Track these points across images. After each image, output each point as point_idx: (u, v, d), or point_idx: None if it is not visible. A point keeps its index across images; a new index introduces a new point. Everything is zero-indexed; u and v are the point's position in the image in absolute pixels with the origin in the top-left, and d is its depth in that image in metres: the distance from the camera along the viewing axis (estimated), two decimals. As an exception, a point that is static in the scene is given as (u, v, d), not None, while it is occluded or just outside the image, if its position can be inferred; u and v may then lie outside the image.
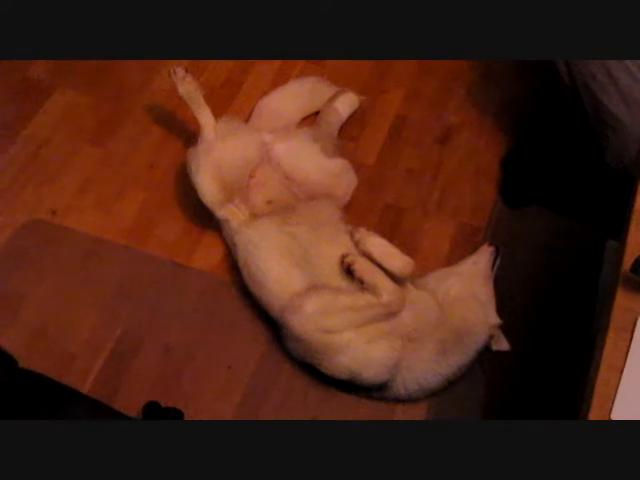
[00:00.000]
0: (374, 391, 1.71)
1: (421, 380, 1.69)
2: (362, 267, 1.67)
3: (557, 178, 2.03)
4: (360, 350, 1.64)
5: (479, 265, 1.81)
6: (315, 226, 1.79)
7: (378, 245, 1.71)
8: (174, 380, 1.80)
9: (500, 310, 1.74)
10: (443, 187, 2.11)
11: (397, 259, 1.70)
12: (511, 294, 1.85)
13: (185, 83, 1.93)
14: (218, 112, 1.96)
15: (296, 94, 2.24)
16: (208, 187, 1.86)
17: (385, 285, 1.65)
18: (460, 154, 2.17)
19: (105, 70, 2.36)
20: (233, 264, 1.90)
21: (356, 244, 1.72)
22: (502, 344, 1.73)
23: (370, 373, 1.66)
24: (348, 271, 1.67)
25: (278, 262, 1.76)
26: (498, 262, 1.83)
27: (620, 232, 1.25)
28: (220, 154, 1.87)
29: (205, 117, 1.92)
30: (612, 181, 1.68)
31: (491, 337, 1.72)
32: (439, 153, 2.17)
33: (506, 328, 1.74)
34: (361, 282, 1.66)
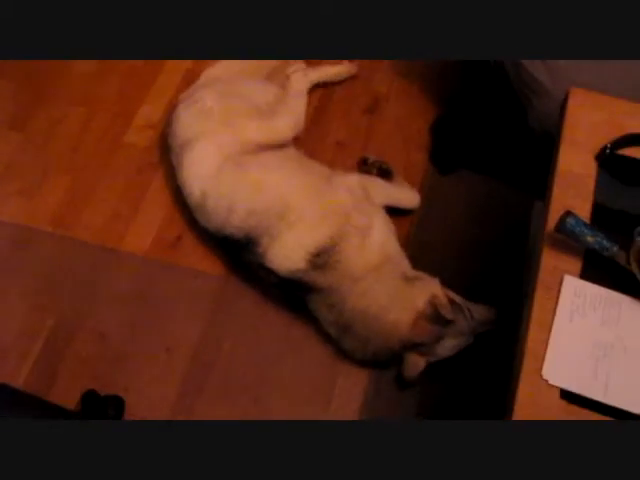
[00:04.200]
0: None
1: None
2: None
3: (485, 143, 2.06)
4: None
5: None
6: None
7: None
8: (112, 367, 1.77)
9: (434, 274, 1.75)
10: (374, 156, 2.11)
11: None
12: (445, 258, 1.88)
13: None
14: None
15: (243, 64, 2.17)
16: None
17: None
18: (389, 123, 2.17)
19: (21, 52, 2.27)
20: (166, 244, 1.87)
21: None
22: None
23: None
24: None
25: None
26: None
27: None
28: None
29: None
30: (537, 144, 1.71)
31: None
32: (368, 123, 2.17)
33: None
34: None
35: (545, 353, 1.09)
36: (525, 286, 1.27)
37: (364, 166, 2.03)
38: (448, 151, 2.11)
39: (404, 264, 1.77)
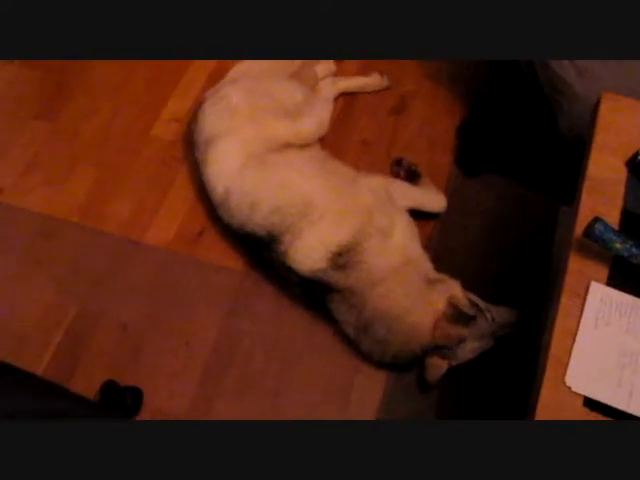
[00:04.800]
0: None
1: None
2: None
3: (512, 146, 2.05)
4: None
5: None
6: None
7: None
8: (132, 358, 1.78)
9: (457, 277, 1.74)
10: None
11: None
12: (468, 261, 1.87)
13: None
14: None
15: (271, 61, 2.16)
16: None
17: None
18: (415, 124, 2.16)
19: (50, 42, 2.29)
20: (188, 238, 1.87)
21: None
22: None
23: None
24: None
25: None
26: None
27: (573, 199, 1.27)
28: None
29: None
30: (566, 149, 1.69)
31: None
32: (394, 124, 2.16)
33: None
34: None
35: (569, 360, 1.07)
36: (549, 291, 1.25)
37: (396, 166, 2.02)
38: (474, 154, 2.10)
39: (426, 266, 1.76)
